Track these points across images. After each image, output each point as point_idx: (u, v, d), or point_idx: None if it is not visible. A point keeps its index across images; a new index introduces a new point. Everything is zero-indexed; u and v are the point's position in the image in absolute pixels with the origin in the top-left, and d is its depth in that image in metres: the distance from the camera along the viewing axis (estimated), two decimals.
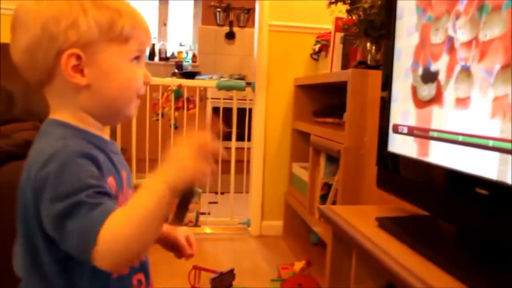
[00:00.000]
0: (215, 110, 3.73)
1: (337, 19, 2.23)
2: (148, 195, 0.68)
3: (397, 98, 1.25)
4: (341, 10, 2.10)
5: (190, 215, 2.83)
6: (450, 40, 1.01)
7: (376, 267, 1.02)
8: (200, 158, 0.70)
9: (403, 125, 1.19)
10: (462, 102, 0.96)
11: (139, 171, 2.96)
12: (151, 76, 0.85)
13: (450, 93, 1.00)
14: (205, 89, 3.99)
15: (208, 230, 2.97)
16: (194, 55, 5.08)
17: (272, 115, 2.86)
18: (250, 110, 3.02)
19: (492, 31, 0.87)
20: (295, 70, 2.82)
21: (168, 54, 5.07)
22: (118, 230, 0.65)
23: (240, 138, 3.07)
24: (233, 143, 2.99)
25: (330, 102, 2.53)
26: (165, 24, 5.18)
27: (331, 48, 2.32)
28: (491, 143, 0.86)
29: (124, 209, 0.67)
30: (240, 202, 3.08)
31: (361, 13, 1.95)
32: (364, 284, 1.16)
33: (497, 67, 0.85)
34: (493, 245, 0.92)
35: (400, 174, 1.24)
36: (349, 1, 2.01)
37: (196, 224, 2.90)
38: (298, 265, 2.13)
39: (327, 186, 2.06)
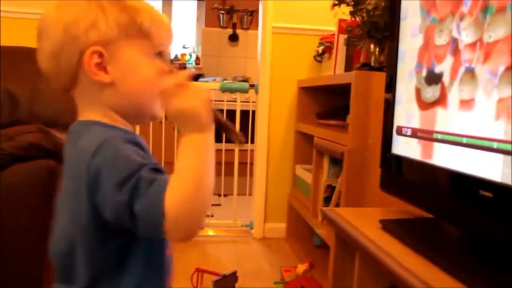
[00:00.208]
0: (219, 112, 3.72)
1: (341, 20, 2.22)
2: (188, 152, 0.71)
3: (401, 100, 1.24)
4: (344, 11, 2.10)
5: None
6: (455, 42, 1.00)
7: (379, 270, 1.01)
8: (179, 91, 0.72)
9: (407, 127, 1.19)
10: (466, 103, 0.95)
11: None
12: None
13: (454, 95, 0.99)
14: (209, 91, 3.98)
15: (211, 232, 2.97)
16: (197, 58, 5.09)
17: (275, 117, 2.86)
18: (254, 112, 3.02)
19: (497, 32, 0.86)
20: (299, 72, 2.82)
21: (172, 57, 5.07)
22: (180, 195, 0.66)
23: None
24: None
25: (333, 104, 2.53)
26: None
27: (334, 50, 2.32)
28: (495, 145, 0.86)
29: (176, 175, 0.68)
30: (243, 205, 3.07)
31: (364, 14, 1.94)
32: (367, 286, 1.15)
33: (501, 68, 0.85)
34: (497, 248, 0.92)
35: (403, 176, 1.24)
36: (352, 3, 2.01)
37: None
38: (301, 268, 2.12)
39: (330, 188, 2.05)
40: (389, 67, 1.30)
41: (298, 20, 2.80)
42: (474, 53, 0.93)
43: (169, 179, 0.68)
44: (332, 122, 2.34)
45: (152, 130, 2.92)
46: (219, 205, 3.15)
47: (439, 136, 1.04)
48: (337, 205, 1.92)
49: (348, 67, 2.19)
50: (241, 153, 3.04)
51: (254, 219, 2.95)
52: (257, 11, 3.50)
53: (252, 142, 3.04)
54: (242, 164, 3.07)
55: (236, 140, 0.78)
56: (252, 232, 2.96)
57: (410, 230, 1.12)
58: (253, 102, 3.03)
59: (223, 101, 3.15)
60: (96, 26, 0.74)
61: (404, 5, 1.24)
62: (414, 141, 1.15)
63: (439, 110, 1.05)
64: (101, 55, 0.75)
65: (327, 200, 2.06)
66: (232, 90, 2.99)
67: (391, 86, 1.28)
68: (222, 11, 5.11)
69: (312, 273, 2.13)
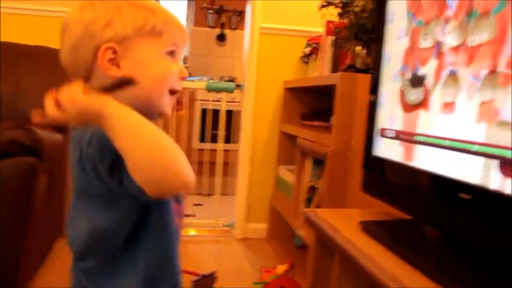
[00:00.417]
0: (204, 111, 3.72)
1: (328, 22, 2.23)
2: (116, 135, 0.72)
3: (385, 102, 1.24)
4: (332, 13, 2.10)
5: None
6: (439, 45, 1.00)
7: (358, 271, 1.01)
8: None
9: (390, 129, 1.19)
10: (448, 106, 0.95)
11: None
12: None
13: (437, 98, 1.00)
14: (195, 90, 3.97)
15: (192, 232, 2.95)
16: (185, 57, 5.06)
17: (260, 117, 2.85)
18: (239, 112, 3.01)
19: (480, 36, 0.87)
20: (285, 73, 2.81)
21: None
22: (136, 169, 0.69)
23: (228, 140, 3.06)
24: (221, 145, 2.98)
25: (318, 106, 2.53)
26: None
27: (321, 51, 2.32)
28: (475, 148, 0.86)
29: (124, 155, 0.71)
30: (226, 204, 3.06)
31: (352, 16, 1.95)
32: None
33: (484, 72, 0.85)
34: (476, 251, 0.92)
35: (385, 178, 1.24)
36: (340, 5, 2.01)
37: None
38: (281, 268, 2.12)
39: (312, 190, 2.05)
40: (374, 69, 1.30)
41: (285, 21, 2.79)
42: (458, 56, 0.93)
43: None
44: (316, 123, 2.34)
45: None
46: (201, 205, 3.13)
47: (421, 139, 1.04)
48: (319, 206, 1.91)
49: (334, 69, 2.19)
50: (224, 153, 3.02)
51: (236, 219, 2.94)
52: (245, 11, 3.49)
53: (237, 142, 3.03)
54: (226, 164, 3.06)
55: None
56: (234, 232, 2.95)
57: (390, 231, 1.12)
58: (239, 102, 3.02)
59: (208, 100, 3.14)
60: (112, 24, 0.79)
61: (391, 7, 1.24)
62: (396, 143, 1.15)
63: (422, 113, 1.05)
64: (114, 51, 0.79)
65: (309, 201, 2.06)
66: (218, 90, 2.97)
67: (375, 88, 1.28)
68: (210, 11, 5.09)
69: (292, 274, 2.12)
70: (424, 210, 1.06)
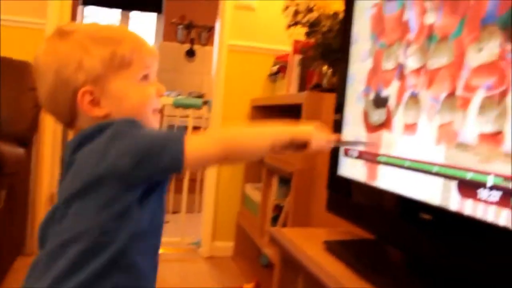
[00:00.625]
0: (171, 127, 3.70)
1: (296, 41, 2.25)
2: (275, 128, 0.84)
3: (349, 121, 1.26)
4: (299, 32, 2.12)
5: None
6: (401, 67, 1.02)
7: None
8: (324, 139, 0.88)
9: (354, 149, 1.20)
10: (410, 128, 0.97)
11: None
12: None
13: (399, 119, 1.01)
14: (162, 106, 3.95)
15: None
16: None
17: None
18: (206, 129, 2.99)
19: (440, 59, 0.89)
20: (253, 91, 2.82)
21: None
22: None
23: None
24: None
25: (285, 124, 2.53)
26: None
27: (288, 70, 2.34)
28: (436, 169, 0.87)
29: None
30: (192, 222, 3.02)
31: (319, 36, 1.97)
32: None
33: (443, 94, 0.87)
34: (437, 271, 0.93)
35: (349, 198, 1.25)
36: (307, 24, 2.04)
37: None
38: (248, 287, 2.10)
39: (278, 208, 2.05)
40: (339, 89, 1.32)
41: (254, 39, 2.81)
42: (418, 79, 0.95)
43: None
44: None
45: None
46: (167, 222, 3.07)
47: (384, 159, 1.06)
48: (284, 225, 1.91)
49: (301, 88, 2.21)
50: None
51: (202, 237, 2.91)
52: (215, 28, 3.50)
53: None
54: (192, 180, 3.03)
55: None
56: (200, 250, 2.91)
57: (353, 251, 1.12)
58: (206, 118, 3.01)
59: (176, 116, 3.12)
60: (82, 66, 0.80)
61: (356, 29, 1.27)
62: (360, 163, 1.16)
63: (384, 133, 1.07)
64: (91, 93, 0.80)
65: (275, 220, 2.06)
66: (185, 106, 2.96)
67: (340, 107, 1.29)
68: (180, 26, 5.09)
69: None
70: (387, 230, 1.06)
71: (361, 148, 1.19)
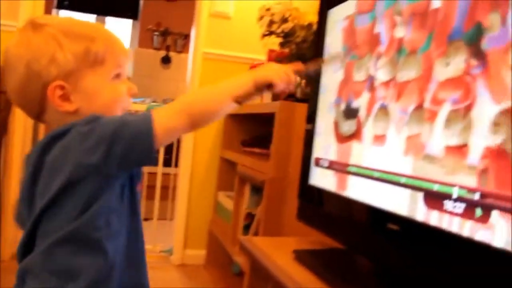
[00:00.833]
0: None
1: (270, 51, 2.26)
2: (233, 78, 0.86)
3: (321, 131, 1.27)
4: (274, 42, 2.14)
5: None
6: (371, 79, 1.04)
7: None
8: (284, 71, 0.88)
9: (324, 159, 1.21)
10: (379, 139, 0.98)
11: None
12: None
13: (369, 130, 1.03)
14: (136, 112, 3.92)
15: None
16: (128, 78, 4.98)
17: (200, 142, 2.83)
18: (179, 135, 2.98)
19: (408, 73, 0.90)
20: None
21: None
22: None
23: (167, 163, 3.01)
24: (160, 168, 2.93)
25: (259, 133, 2.54)
26: None
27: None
28: (404, 180, 0.89)
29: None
30: (164, 230, 3.00)
31: (293, 46, 1.99)
32: None
33: (411, 107, 0.88)
34: (404, 281, 0.94)
35: (319, 207, 1.25)
36: (282, 35, 2.05)
37: None
38: None
39: (250, 217, 2.05)
40: (311, 99, 1.33)
41: (229, 47, 2.82)
42: (388, 91, 0.97)
43: None
44: (257, 150, 2.35)
45: None
46: None
47: (353, 169, 1.07)
48: (256, 233, 1.91)
49: (275, 97, 2.22)
50: (163, 177, 2.98)
51: (174, 245, 2.88)
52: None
53: (176, 166, 2.99)
54: (165, 188, 3.01)
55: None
56: (172, 258, 2.88)
57: (322, 260, 1.13)
58: None
59: None
60: (55, 60, 0.79)
61: (328, 40, 1.28)
62: (330, 173, 1.17)
63: (354, 144, 1.08)
64: (62, 88, 0.80)
65: (246, 228, 2.06)
66: None
67: (312, 117, 1.31)
68: (156, 33, 5.07)
69: None
70: (356, 240, 1.07)
71: (323, 67, 1.23)
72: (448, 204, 0.78)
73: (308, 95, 1.82)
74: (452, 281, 0.77)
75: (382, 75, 1.00)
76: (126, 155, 0.74)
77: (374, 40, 1.05)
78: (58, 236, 0.75)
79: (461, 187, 0.75)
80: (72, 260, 0.76)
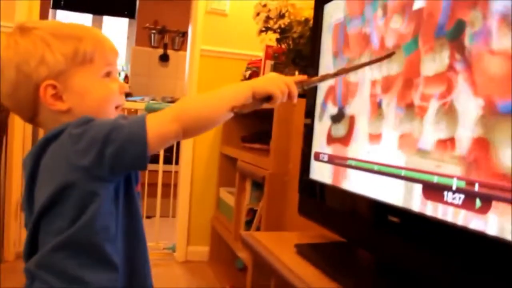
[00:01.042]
0: None
1: (268, 47, 2.27)
2: (231, 86, 0.85)
3: (319, 126, 1.27)
4: (271, 38, 2.14)
5: None
6: (365, 76, 1.05)
7: None
8: (285, 83, 0.85)
9: (324, 153, 1.22)
10: (377, 134, 0.99)
11: None
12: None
13: (364, 127, 1.03)
14: (136, 110, 3.92)
15: None
16: (126, 76, 5.00)
17: (200, 139, 2.84)
18: None
19: (398, 70, 0.91)
20: None
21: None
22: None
23: (167, 161, 3.03)
24: (161, 166, 2.94)
25: (259, 128, 2.55)
26: None
27: (261, 75, 2.35)
28: (403, 172, 0.90)
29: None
30: (166, 227, 3.01)
31: (290, 42, 2.00)
32: None
33: (404, 103, 0.89)
34: (405, 273, 0.95)
35: (320, 201, 1.27)
36: (279, 30, 2.06)
37: None
38: None
39: (252, 212, 2.06)
40: (310, 94, 1.34)
41: (226, 44, 2.83)
42: (381, 89, 0.98)
43: None
44: (257, 145, 2.36)
45: None
46: None
47: (353, 163, 1.08)
48: (258, 228, 1.92)
49: None
50: (165, 175, 2.99)
51: (177, 241, 2.90)
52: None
53: (177, 163, 3.00)
54: (166, 185, 3.02)
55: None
56: (175, 255, 2.90)
57: (324, 254, 1.14)
58: None
59: None
60: (45, 61, 0.80)
61: (325, 36, 1.29)
62: (330, 167, 1.18)
63: (352, 139, 1.09)
64: (54, 87, 0.81)
65: (248, 224, 2.07)
66: (157, 111, 2.94)
67: (310, 112, 1.31)
68: (153, 31, 5.07)
69: None
70: (357, 232, 1.09)
71: (329, 81, 1.18)
72: (447, 196, 0.79)
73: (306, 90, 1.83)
74: (454, 272, 0.78)
75: (375, 73, 1.01)
76: (118, 158, 0.74)
77: (366, 40, 1.05)
78: (59, 240, 0.76)
79: (459, 178, 0.77)
80: (75, 264, 0.76)
